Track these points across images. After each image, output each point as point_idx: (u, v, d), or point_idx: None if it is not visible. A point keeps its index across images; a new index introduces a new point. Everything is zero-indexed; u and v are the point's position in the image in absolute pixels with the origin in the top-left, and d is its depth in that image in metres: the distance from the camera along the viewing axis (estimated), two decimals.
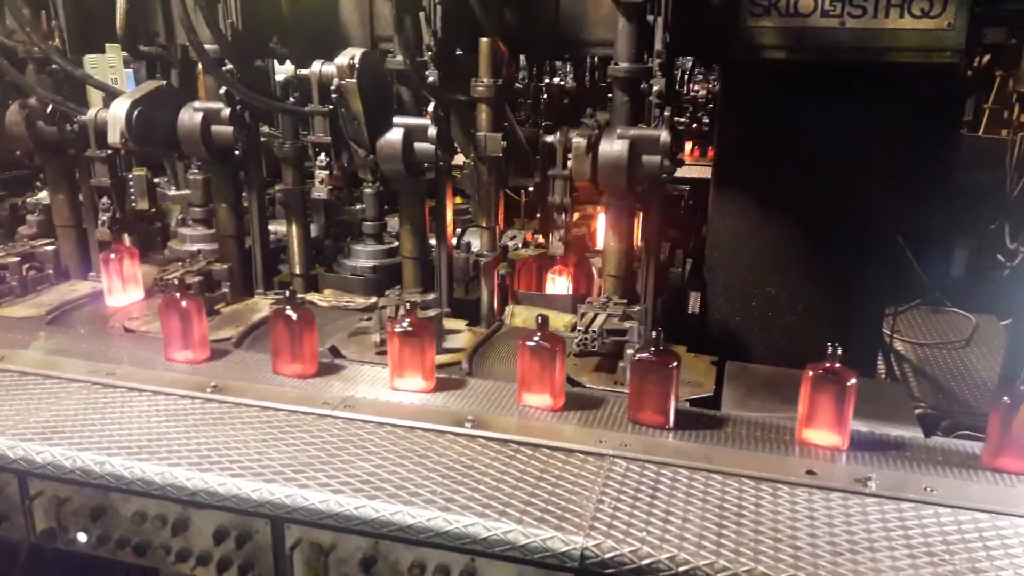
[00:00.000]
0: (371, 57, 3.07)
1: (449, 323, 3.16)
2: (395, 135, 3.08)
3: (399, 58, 3.11)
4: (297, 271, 3.86)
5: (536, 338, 2.51)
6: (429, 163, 3.17)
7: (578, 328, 2.82)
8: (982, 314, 4.14)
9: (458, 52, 3.16)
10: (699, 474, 2.28)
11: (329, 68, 3.03)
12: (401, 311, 2.90)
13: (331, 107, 3.07)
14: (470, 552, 2.10)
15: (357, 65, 2.96)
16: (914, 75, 2.90)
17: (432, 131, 3.04)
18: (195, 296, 2.99)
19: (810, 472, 2.28)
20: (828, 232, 3.13)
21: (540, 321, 2.53)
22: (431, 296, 3.19)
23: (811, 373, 2.36)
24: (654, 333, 2.45)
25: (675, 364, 2.45)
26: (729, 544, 1.98)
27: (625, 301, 3.02)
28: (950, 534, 2.02)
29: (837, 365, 2.33)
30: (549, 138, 2.97)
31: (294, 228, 3.79)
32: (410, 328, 2.61)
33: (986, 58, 6.17)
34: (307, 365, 2.76)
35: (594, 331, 2.78)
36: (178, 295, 2.81)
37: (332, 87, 3.00)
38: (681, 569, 1.93)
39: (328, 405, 2.59)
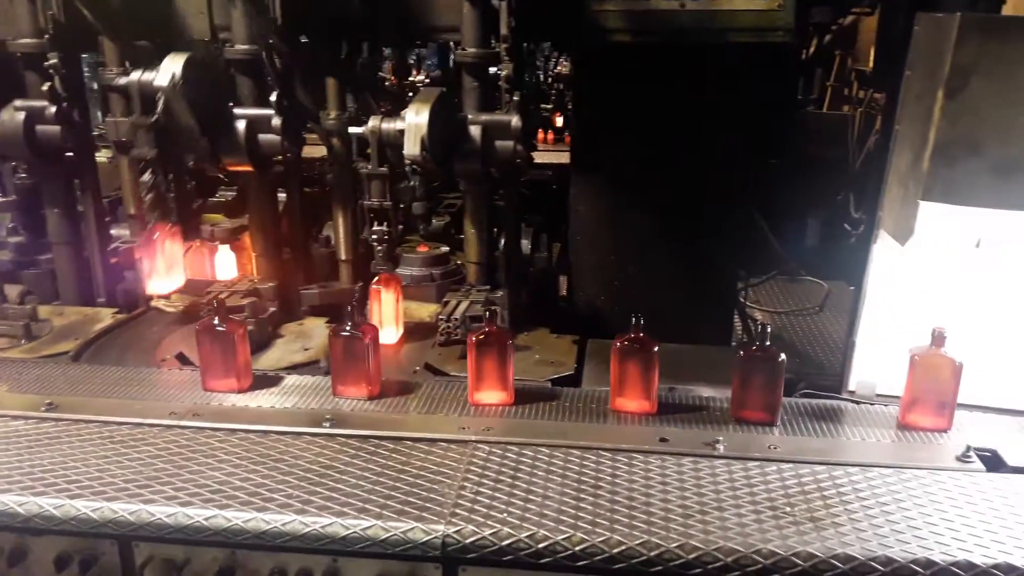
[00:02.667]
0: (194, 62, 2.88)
1: (309, 322, 3.07)
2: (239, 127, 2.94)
3: (241, 47, 2.98)
4: None
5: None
6: (276, 155, 3.05)
7: (440, 317, 2.80)
8: (834, 280, 4.39)
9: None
10: (559, 451, 2.31)
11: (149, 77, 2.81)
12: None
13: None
14: (331, 552, 2.05)
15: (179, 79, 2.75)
16: (751, 55, 3.02)
17: (277, 121, 2.93)
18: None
19: (663, 439, 2.35)
20: (683, 210, 3.22)
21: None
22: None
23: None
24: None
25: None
26: (586, 516, 2.02)
27: (488, 287, 3.02)
28: (791, 487, 2.13)
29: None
30: (357, 129, 2.86)
31: None
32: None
33: (826, 38, 6.52)
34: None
35: (456, 319, 2.77)
36: None
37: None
38: (541, 546, 1.95)
39: (175, 415, 2.46)
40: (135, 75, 2.83)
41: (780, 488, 2.13)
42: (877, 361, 2.65)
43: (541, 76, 8.28)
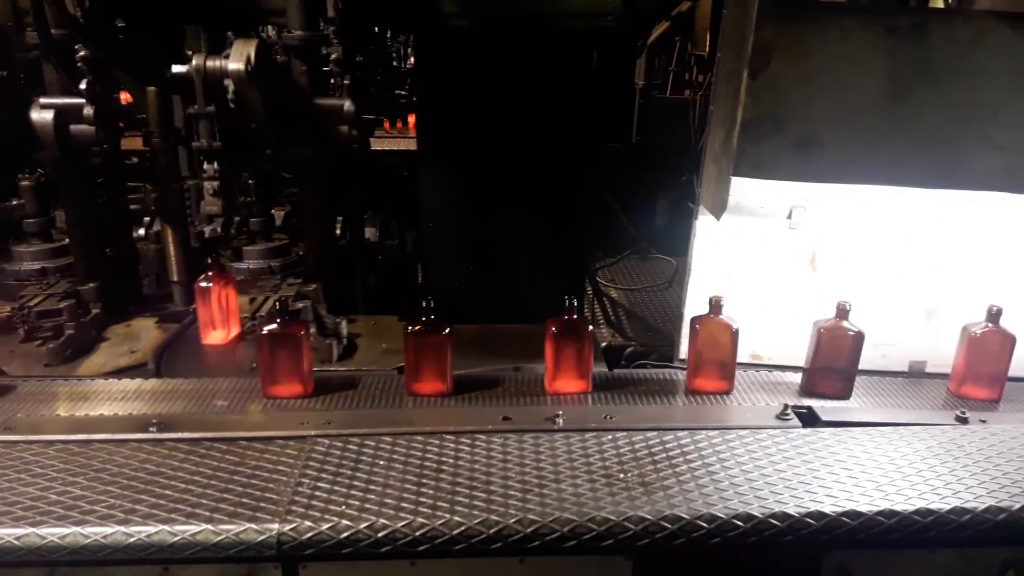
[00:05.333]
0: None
1: (137, 323, 2.90)
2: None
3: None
4: None
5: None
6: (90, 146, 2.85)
7: (244, 315, 2.70)
8: (681, 257, 4.57)
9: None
10: (402, 438, 2.29)
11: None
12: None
13: None
14: (160, 561, 1.95)
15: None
16: (587, 40, 3.08)
17: (89, 110, 2.73)
18: None
19: (506, 418, 2.38)
20: (532, 194, 3.25)
21: None
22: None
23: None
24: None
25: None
26: (427, 501, 2.01)
27: (300, 280, 2.94)
28: (624, 454, 2.21)
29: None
30: (179, 68, 2.70)
31: None
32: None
33: (666, 25, 6.77)
34: None
35: (262, 316, 2.68)
36: None
37: None
38: (381, 535, 1.93)
39: None
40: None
41: (615, 456, 2.20)
42: None
43: (396, 62, 8.13)
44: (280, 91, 2.72)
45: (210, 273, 2.79)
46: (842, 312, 2.50)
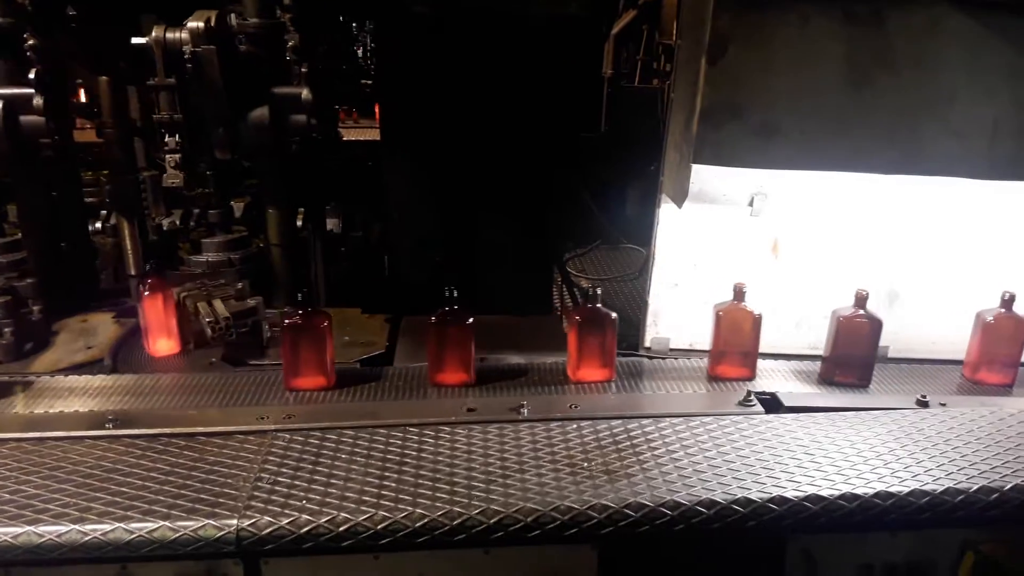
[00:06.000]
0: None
1: (94, 318, 2.84)
2: None
3: None
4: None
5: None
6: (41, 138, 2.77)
7: (205, 318, 2.65)
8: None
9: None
10: (364, 431, 2.27)
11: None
12: None
13: None
14: (118, 560, 1.92)
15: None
16: (552, 26, 3.04)
17: (39, 100, 2.64)
18: None
19: (471, 409, 2.36)
20: (500, 184, 3.21)
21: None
22: None
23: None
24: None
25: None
26: (389, 494, 1.99)
27: (222, 281, 2.87)
28: (588, 443, 2.20)
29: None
30: (139, 40, 2.65)
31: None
32: None
33: (633, 13, 6.77)
34: None
35: (227, 318, 2.63)
36: None
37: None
38: (342, 529, 1.91)
39: None
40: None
41: (579, 445, 2.20)
42: (673, 317, 2.80)
43: (363, 51, 8.04)
44: (239, 77, 2.66)
45: (149, 281, 2.67)
46: (860, 300, 2.50)
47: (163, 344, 2.73)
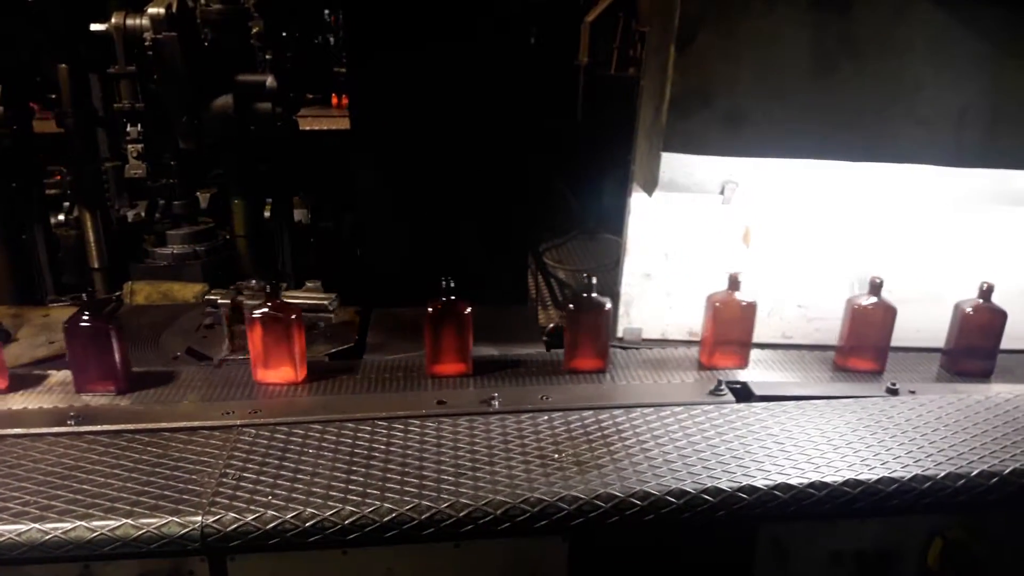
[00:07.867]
0: None
1: (56, 312, 2.78)
2: None
3: None
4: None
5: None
6: None
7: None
8: None
9: None
10: (332, 426, 2.24)
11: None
12: None
13: None
14: (80, 559, 1.88)
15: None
16: (525, 12, 3.01)
17: None
18: None
19: (440, 402, 2.34)
20: (473, 174, 3.18)
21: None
22: None
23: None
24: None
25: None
26: (357, 489, 1.97)
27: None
28: (560, 435, 2.19)
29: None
30: (98, 26, 2.58)
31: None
32: None
33: (608, 1, 6.73)
34: None
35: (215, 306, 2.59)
36: None
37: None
38: (308, 524, 1.88)
39: None
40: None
41: (550, 436, 2.18)
42: (645, 307, 2.79)
43: (334, 39, 7.94)
44: (202, 64, 2.61)
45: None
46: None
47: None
